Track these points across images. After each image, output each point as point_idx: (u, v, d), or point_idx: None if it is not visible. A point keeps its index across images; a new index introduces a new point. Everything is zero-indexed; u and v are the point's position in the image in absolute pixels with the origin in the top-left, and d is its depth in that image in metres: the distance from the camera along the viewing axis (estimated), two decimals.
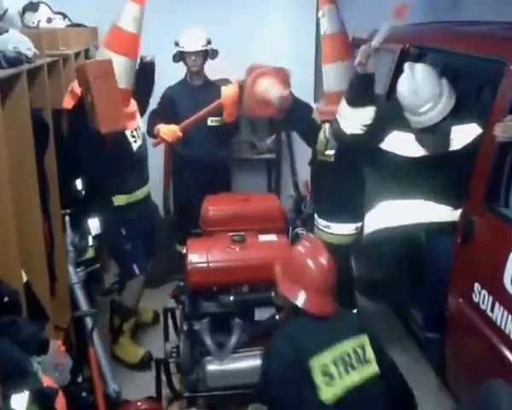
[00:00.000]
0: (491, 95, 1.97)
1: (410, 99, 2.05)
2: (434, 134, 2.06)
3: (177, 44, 2.96)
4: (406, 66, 2.11)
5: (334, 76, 2.33)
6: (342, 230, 2.50)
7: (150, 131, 2.92)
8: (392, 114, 2.16)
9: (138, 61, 2.60)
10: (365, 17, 3.46)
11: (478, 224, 1.88)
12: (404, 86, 2.08)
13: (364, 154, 2.27)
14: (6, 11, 2.49)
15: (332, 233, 2.51)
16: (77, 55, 2.73)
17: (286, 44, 3.52)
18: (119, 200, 2.45)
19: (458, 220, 2.02)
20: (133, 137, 2.47)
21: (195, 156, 3.00)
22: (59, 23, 3.01)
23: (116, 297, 2.65)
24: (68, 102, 2.33)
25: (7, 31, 1.84)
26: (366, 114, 2.13)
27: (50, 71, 2.12)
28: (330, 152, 2.44)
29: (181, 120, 2.93)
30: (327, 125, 2.39)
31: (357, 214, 2.49)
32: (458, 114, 2.03)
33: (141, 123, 2.62)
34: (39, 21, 2.92)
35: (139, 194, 2.55)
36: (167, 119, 2.93)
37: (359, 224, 2.51)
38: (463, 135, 2.06)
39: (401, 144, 2.16)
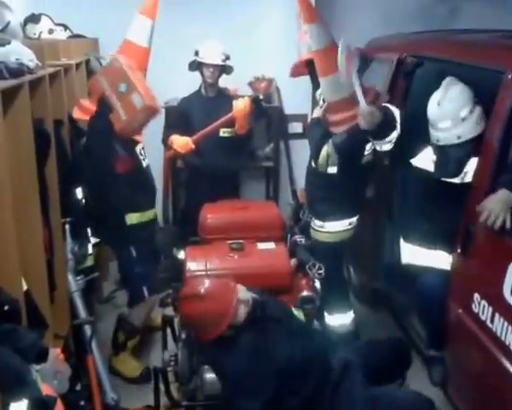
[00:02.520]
0: (490, 104, 1.96)
1: (432, 110, 2.06)
2: (444, 155, 2.05)
3: (196, 54, 3.00)
4: (445, 80, 2.12)
5: (332, 88, 2.35)
6: (336, 227, 2.52)
7: (165, 142, 3.01)
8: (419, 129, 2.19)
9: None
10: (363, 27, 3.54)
11: (477, 234, 1.88)
12: (434, 96, 2.10)
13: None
14: (8, 23, 2.51)
15: (327, 232, 2.53)
16: (78, 65, 2.76)
17: (284, 56, 3.56)
18: (131, 218, 2.44)
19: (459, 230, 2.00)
20: (141, 155, 2.50)
21: (207, 166, 3.04)
22: (60, 34, 3.05)
23: (124, 313, 2.62)
24: (79, 114, 2.40)
25: (9, 42, 1.87)
26: (388, 140, 2.18)
27: (52, 81, 2.15)
28: (331, 169, 2.45)
29: (194, 131, 2.99)
30: (330, 141, 2.41)
31: (351, 211, 2.52)
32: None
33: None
34: (41, 33, 2.96)
35: (150, 214, 2.54)
36: (181, 129, 3.00)
37: (353, 218, 2.53)
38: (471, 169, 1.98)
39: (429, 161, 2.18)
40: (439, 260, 2.12)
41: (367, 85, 2.42)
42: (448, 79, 2.11)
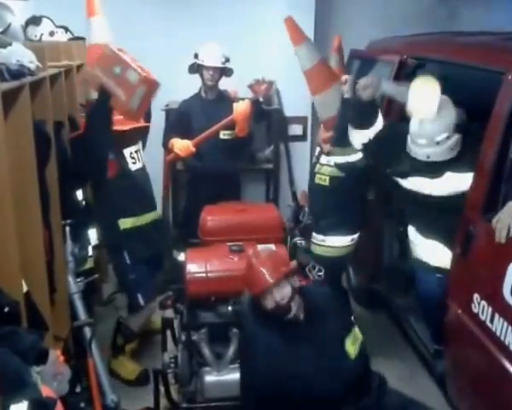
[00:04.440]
0: (490, 105, 1.96)
1: (414, 124, 2.07)
2: (424, 171, 2.06)
3: (196, 56, 3.00)
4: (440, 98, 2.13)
5: (324, 105, 2.37)
6: (337, 242, 2.54)
7: (166, 145, 3.02)
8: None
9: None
10: (362, 29, 3.55)
11: (477, 234, 1.89)
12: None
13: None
14: (9, 25, 2.53)
15: (328, 246, 2.54)
16: (78, 67, 2.77)
17: (284, 58, 3.56)
18: (125, 223, 2.45)
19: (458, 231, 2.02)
20: (132, 158, 2.49)
21: (207, 168, 3.05)
22: (61, 36, 3.05)
23: (122, 317, 2.63)
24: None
25: (10, 44, 1.87)
26: (363, 135, 2.17)
27: (52, 83, 2.15)
28: (325, 174, 2.50)
29: (194, 133, 3.00)
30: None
31: (353, 227, 2.53)
32: (461, 159, 1.99)
33: (140, 146, 2.62)
34: (42, 35, 2.96)
35: (144, 218, 2.53)
36: (182, 132, 3.00)
37: (355, 235, 2.55)
38: (455, 183, 2.01)
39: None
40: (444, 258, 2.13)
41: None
42: (441, 98, 2.12)
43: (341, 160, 2.44)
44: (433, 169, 2.02)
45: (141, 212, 2.52)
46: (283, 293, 1.66)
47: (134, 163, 2.51)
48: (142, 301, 2.49)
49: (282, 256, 1.82)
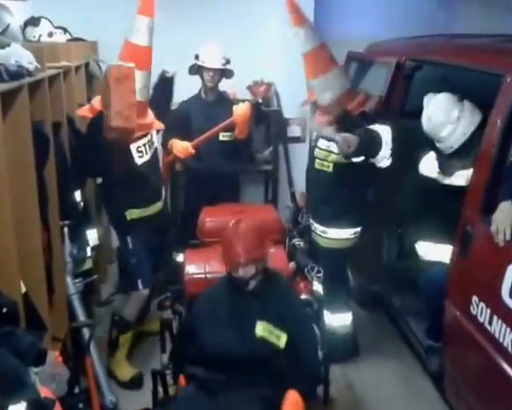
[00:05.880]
0: (488, 107, 1.98)
1: (427, 126, 2.12)
2: (463, 155, 2.11)
3: (196, 58, 3.00)
4: (425, 98, 2.21)
5: (321, 89, 2.36)
6: (340, 234, 2.51)
7: (165, 146, 3.02)
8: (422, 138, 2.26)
9: (159, 72, 2.67)
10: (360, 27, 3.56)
11: (475, 236, 1.89)
12: (422, 116, 2.17)
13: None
14: (8, 26, 2.53)
15: (329, 238, 2.52)
16: (77, 68, 2.77)
17: (283, 60, 3.57)
18: (132, 214, 2.46)
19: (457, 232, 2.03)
20: (139, 152, 2.46)
21: (206, 169, 3.05)
22: (60, 37, 3.05)
23: (116, 307, 2.64)
24: (85, 111, 2.39)
25: (9, 45, 1.88)
26: (380, 158, 2.21)
27: (51, 84, 2.15)
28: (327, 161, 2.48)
29: (194, 134, 2.99)
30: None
31: (356, 220, 2.51)
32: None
33: (155, 138, 2.60)
34: (40, 36, 2.96)
35: (152, 209, 2.54)
36: (181, 133, 3.00)
37: (358, 228, 2.53)
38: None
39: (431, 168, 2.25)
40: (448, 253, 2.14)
41: (360, 90, 2.44)
42: (427, 96, 2.21)
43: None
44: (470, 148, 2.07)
45: (147, 204, 2.52)
46: (247, 271, 1.81)
47: (141, 157, 2.46)
48: (140, 286, 2.50)
49: (259, 237, 1.88)
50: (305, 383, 1.81)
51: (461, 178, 2.14)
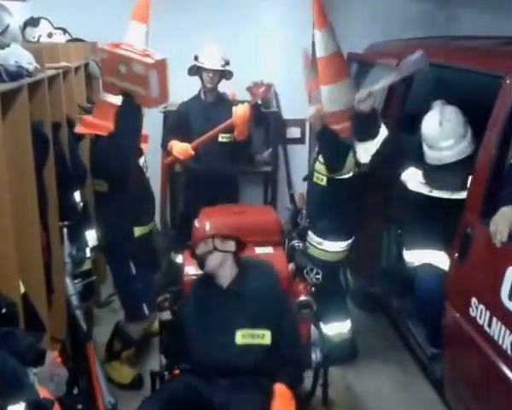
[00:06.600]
0: (488, 109, 1.97)
1: (433, 130, 2.12)
2: (449, 173, 2.11)
3: (195, 59, 3.00)
4: (436, 104, 2.21)
5: (331, 98, 2.37)
6: (333, 247, 2.56)
7: (165, 147, 3.02)
8: (409, 149, 2.27)
9: None
10: (360, 32, 3.56)
11: (475, 238, 1.89)
12: (431, 118, 2.16)
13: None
14: (8, 26, 2.53)
15: (324, 250, 2.56)
16: (77, 69, 2.77)
17: (282, 61, 3.58)
18: (137, 231, 2.43)
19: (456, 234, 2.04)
20: (144, 167, 2.49)
21: (205, 170, 3.05)
22: (59, 38, 3.06)
23: (122, 322, 2.59)
24: (82, 130, 2.40)
25: (8, 45, 1.88)
26: (369, 146, 2.21)
27: (51, 85, 2.15)
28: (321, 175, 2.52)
29: (193, 135, 2.99)
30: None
31: (349, 232, 2.55)
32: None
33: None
34: (40, 36, 2.97)
35: (148, 227, 2.52)
36: (180, 133, 3.00)
37: (350, 241, 2.57)
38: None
39: (414, 180, 2.26)
40: (439, 259, 2.16)
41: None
42: (439, 102, 2.22)
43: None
44: (458, 170, 2.08)
45: (148, 221, 2.53)
46: (212, 260, 1.86)
47: (146, 172, 2.51)
48: (146, 311, 2.46)
49: (232, 230, 1.92)
50: (290, 373, 1.80)
51: (445, 193, 2.16)
